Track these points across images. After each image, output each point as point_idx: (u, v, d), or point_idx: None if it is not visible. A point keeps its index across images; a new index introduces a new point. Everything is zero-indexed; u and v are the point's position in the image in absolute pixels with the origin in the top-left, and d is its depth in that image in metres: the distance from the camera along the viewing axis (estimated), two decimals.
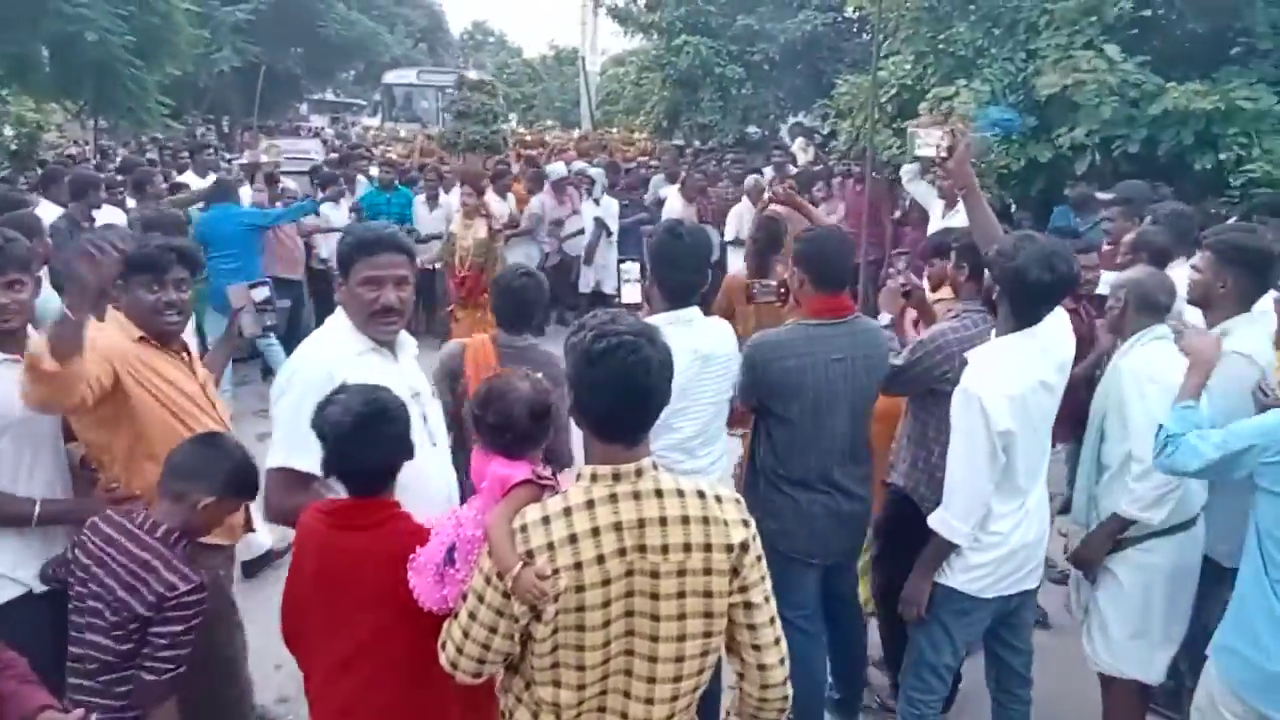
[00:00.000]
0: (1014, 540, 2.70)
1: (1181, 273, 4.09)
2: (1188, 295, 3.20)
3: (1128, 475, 2.76)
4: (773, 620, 1.78)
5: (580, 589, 1.63)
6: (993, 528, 2.67)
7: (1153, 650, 2.88)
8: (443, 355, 3.40)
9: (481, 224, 7.13)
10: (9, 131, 11.52)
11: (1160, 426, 2.46)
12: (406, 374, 2.41)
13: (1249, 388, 2.83)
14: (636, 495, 1.67)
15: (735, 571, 1.71)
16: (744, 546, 1.72)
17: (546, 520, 1.66)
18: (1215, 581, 2.98)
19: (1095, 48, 6.37)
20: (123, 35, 10.77)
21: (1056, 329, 2.70)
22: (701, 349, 2.83)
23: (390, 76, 20.61)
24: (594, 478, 1.68)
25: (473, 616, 1.70)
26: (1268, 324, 3.12)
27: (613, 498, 1.66)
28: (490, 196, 7.97)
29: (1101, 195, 5.39)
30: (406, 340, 2.48)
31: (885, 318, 3.55)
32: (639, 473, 1.68)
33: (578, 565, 1.63)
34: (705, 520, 1.69)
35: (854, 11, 9.73)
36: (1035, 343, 2.62)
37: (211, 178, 8.33)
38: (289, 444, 2.22)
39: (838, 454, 2.96)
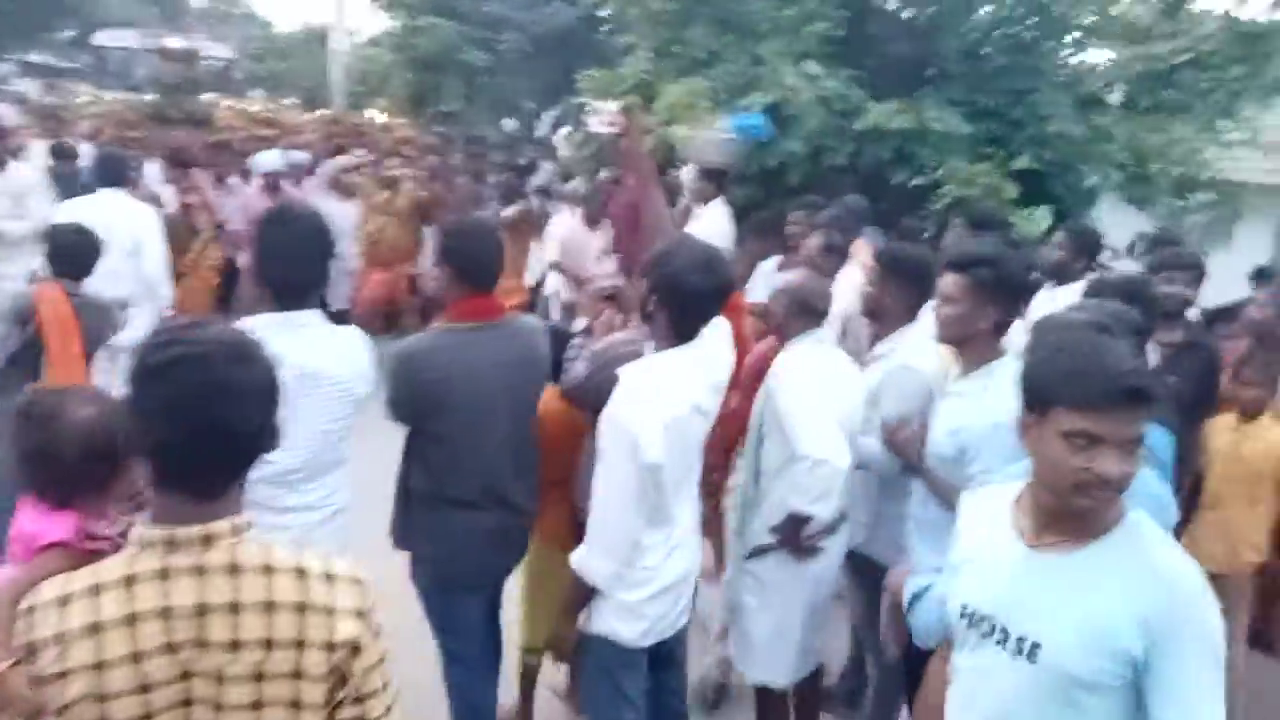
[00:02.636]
0: (666, 574, 2.46)
1: (855, 275, 4.27)
2: (861, 308, 3.28)
3: (795, 473, 2.71)
4: None
5: (102, 698, 1.21)
6: (643, 563, 2.41)
7: (790, 652, 2.89)
8: (13, 300, 3.69)
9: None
10: None
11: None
12: None
13: (919, 400, 2.84)
14: (200, 571, 1.25)
15: (341, 678, 1.32)
16: (355, 648, 1.32)
17: (65, 601, 1.23)
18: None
19: (796, 66, 6.58)
20: None
21: (715, 344, 2.52)
22: (309, 363, 2.38)
23: (102, 37, 18.33)
24: (143, 543, 1.25)
25: None
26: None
27: (162, 574, 1.24)
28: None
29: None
30: None
31: (581, 322, 3.33)
32: (207, 540, 1.26)
33: (98, 666, 1.21)
34: (300, 608, 1.30)
35: (594, 7, 9.61)
36: (691, 361, 2.42)
37: None
38: None
39: (500, 468, 2.70)
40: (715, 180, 6.32)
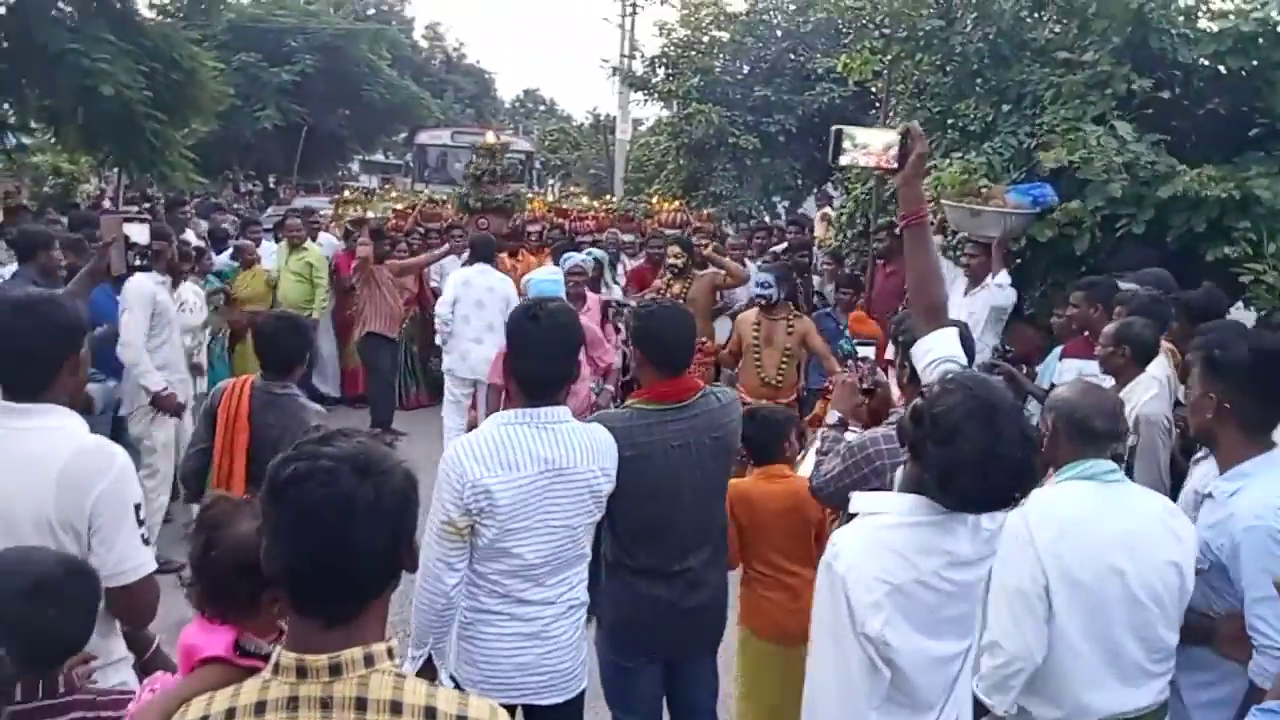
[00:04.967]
0: None
1: (1161, 369, 3.66)
2: (1193, 429, 2.59)
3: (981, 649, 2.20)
4: None
5: None
6: None
7: None
8: (212, 392, 3.55)
9: None
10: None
11: None
12: None
13: None
14: (326, 704, 1.22)
15: None
16: None
17: None
18: None
19: (1106, 123, 5.96)
20: (140, 90, 10.89)
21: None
22: (555, 459, 2.43)
23: (423, 137, 20.61)
24: (276, 668, 1.24)
25: None
26: None
27: (292, 703, 1.23)
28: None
29: (1124, 285, 4.87)
30: None
31: (834, 416, 3.10)
32: (335, 669, 1.22)
33: None
34: None
35: (854, 85, 9.42)
36: (957, 516, 1.87)
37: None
38: None
39: (686, 543, 2.75)
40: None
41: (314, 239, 8.89)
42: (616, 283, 8.52)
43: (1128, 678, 2.22)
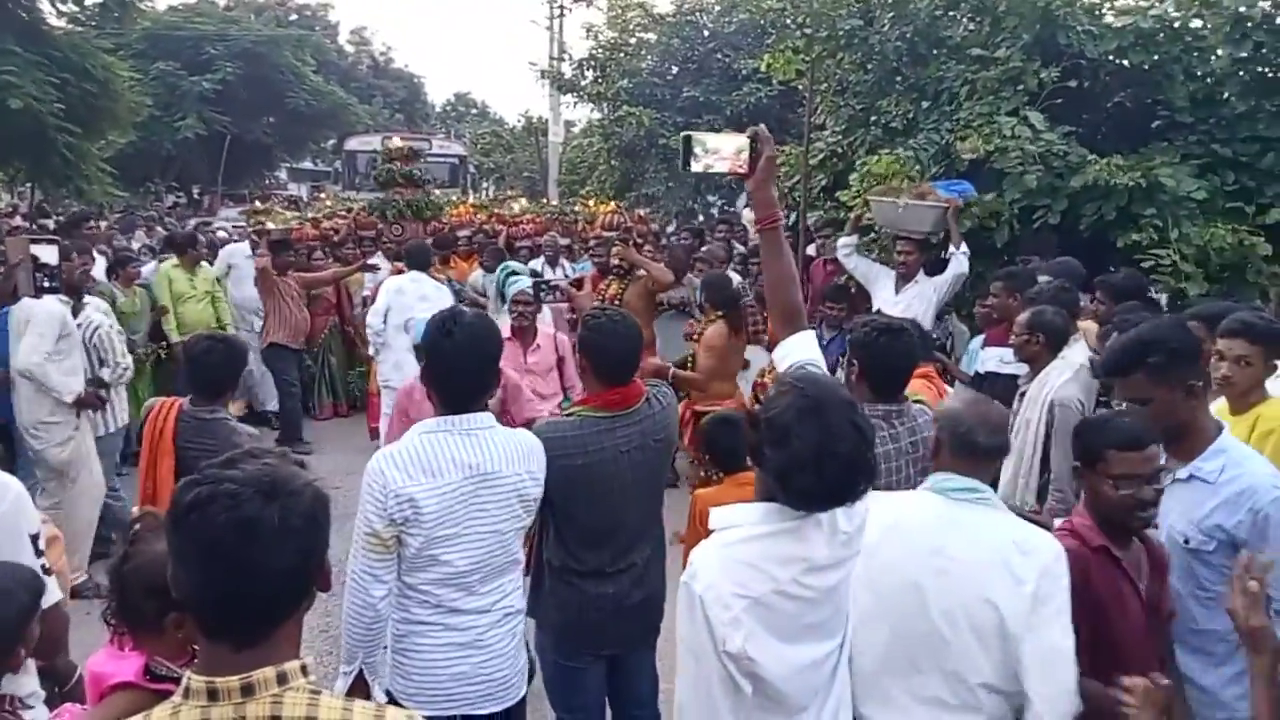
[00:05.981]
0: None
1: (1078, 354, 3.80)
2: (1167, 432, 2.45)
3: None
4: None
5: None
6: None
7: None
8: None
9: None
10: None
11: None
12: None
13: None
14: None
15: None
16: None
17: None
18: None
19: (1019, 115, 6.18)
20: (51, 103, 10.53)
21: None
22: (480, 465, 2.43)
23: (352, 143, 20.16)
24: (187, 692, 1.21)
25: None
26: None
27: None
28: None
29: (1042, 278, 5.04)
30: None
31: None
32: (247, 690, 1.19)
33: None
34: None
35: (779, 84, 9.56)
36: (810, 520, 1.82)
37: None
38: None
39: (630, 541, 2.83)
40: (927, 250, 6.02)
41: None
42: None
43: (931, 711, 2.06)
